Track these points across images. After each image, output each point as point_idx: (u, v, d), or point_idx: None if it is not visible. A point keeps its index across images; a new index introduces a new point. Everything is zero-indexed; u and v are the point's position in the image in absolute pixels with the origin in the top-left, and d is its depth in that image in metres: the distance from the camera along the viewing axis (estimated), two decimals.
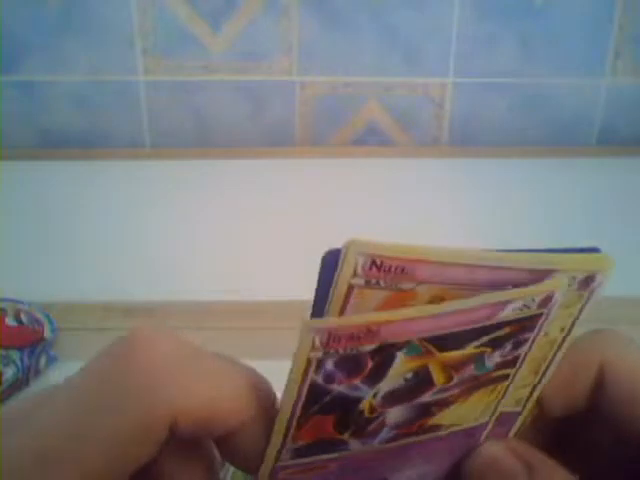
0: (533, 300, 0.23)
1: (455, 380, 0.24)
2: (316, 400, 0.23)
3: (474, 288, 0.23)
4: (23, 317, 0.61)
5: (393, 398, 0.24)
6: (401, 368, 0.23)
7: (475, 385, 0.24)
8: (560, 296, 0.24)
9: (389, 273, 0.22)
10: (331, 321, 0.22)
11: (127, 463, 0.22)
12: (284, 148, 0.97)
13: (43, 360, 0.59)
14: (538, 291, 0.23)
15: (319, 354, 0.22)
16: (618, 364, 0.26)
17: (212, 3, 0.92)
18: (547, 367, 0.25)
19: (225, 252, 0.76)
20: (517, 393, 0.26)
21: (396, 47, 0.94)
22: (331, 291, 0.22)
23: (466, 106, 0.97)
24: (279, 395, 0.24)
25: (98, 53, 0.93)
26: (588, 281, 0.24)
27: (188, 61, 0.94)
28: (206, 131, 0.98)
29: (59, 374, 0.60)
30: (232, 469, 0.49)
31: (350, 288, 0.22)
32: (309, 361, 0.22)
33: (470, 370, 0.24)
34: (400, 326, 0.22)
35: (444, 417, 0.25)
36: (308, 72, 0.95)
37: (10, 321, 0.61)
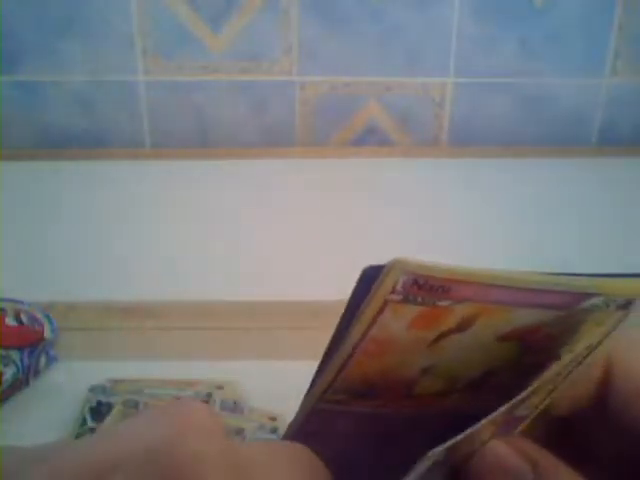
0: (614, 301, 0.23)
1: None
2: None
3: (510, 309, 0.23)
4: (23, 317, 0.61)
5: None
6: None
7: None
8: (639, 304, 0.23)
9: (430, 291, 0.22)
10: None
11: None
12: (284, 148, 0.97)
13: (43, 360, 0.59)
14: (620, 289, 0.23)
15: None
16: (625, 360, 0.26)
17: (212, 3, 0.92)
18: (565, 376, 0.25)
19: (225, 252, 0.76)
20: (533, 399, 0.25)
21: (396, 47, 0.94)
22: (364, 303, 0.22)
23: (466, 106, 0.97)
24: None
25: (98, 53, 0.93)
26: (627, 305, 0.24)
27: (188, 61, 0.94)
28: (206, 131, 0.98)
29: (59, 374, 0.60)
30: None
31: (385, 303, 0.22)
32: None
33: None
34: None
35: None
36: (308, 72, 0.95)
37: (10, 321, 0.61)
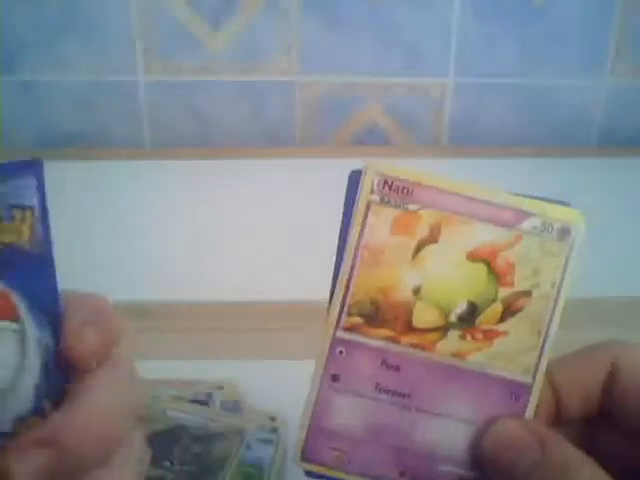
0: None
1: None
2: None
3: (468, 220, 0.28)
4: None
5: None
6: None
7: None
8: (579, 237, 0.29)
9: (397, 192, 0.28)
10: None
11: None
12: (284, 148, 0.97)
13: None
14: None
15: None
16: (630, 362, 0.27)
17: (212, 3, 0.92)
18: (547, 329, 0.28)
19: (225, 252, 0.76)
20: (524, 358, 0.28)
21: (396, 47, 0.94)
22: (355, 205, 0.28)
23: (466, 106, 0.97)
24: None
25: (98, 53, 0.93)
26: (564, 233, 0.29)
27: (188, 61, 0.94)
28: (206, 131, 0.98)
29: None
30: (232, 470, 0.49)
31: (369, 204, 0.28)
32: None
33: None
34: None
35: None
36: (308, 72, 0.95)
37: None
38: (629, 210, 0.83)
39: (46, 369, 0.27)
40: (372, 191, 0.28)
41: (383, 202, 0.28)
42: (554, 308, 0.28)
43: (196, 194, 0.85)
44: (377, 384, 0.29)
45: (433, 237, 0.28)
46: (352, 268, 0.28)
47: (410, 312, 0.28)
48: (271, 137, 0.98)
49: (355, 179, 0.28)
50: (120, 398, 0.27)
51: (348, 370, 0.28)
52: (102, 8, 0.91)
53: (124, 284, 0.70)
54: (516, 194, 0.29)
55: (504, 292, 0.28)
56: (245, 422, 0.53)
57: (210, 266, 0.74)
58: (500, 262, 0.28)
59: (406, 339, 0.28)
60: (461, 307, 0.28)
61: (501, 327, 0.28)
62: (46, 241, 0.31)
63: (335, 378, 0.28)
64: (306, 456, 0.28)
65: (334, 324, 0.28)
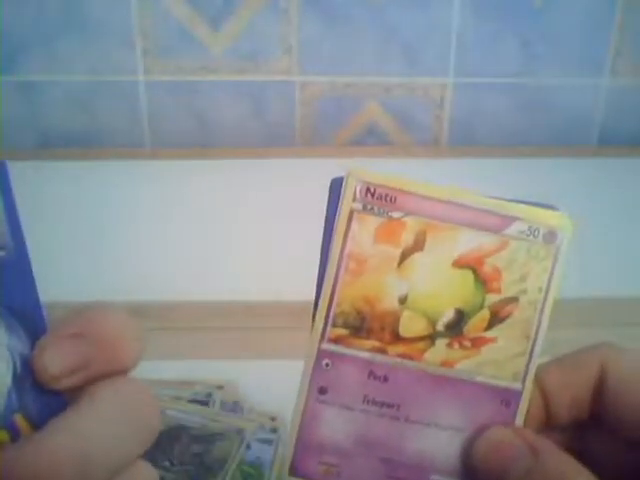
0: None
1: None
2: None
3: (453, 227, 0.28)
4: None
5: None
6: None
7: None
8: (565, 240, 0.28)
9: (380, 200, 0.27)
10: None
11: None
12: (284, 148, 0.96)
13: None
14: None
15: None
16: (620, 358, 0.26)
17: (212, 3, 0.92)
18: (536, 334, 0.28)
19: (225, 252, 0.76)
20: (513, 364, 0.28)
21: (396, 47, 0.94)
22: (337, 213, 0.28)
23: (466, 106, 0.97)
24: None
25: (98, 53, 0.93)
26: (551, 236, 0.28)
27: (188, 61, 0.94)
28: (206, 131, 0.98)
29: None
30: (232, 470, 0.49)
31: (351, 213, 0.27)
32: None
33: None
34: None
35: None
36: (308, 72, 0.95)
37: None
38: (629, 210, 0.83)
39: (19, 381, 0.24)
40: (354, 199, 0.27)
41: (366, 210, 0.27)
42: (542, 312, 0.28)
43: (196, 194, 0.85)
44: (365, 396, 0.28)
45: (418, 245, 0.28)
46: (336, 278, 0.28)
47: (397, 321, 0.28)
48: (271, 137, 0.98)
49: (337, 186, 0.28)
50: (119, 432, 0.23)
51: (335, 382, 0.28)
52: (102, 8, 0.91)
53: (124, 284, 0.70)
54: (500, 199, 0.28)
55: (491, 299, 0.28)
56: (245, 422, 0.53)
57: (210, 266, 0.74)
58: (487, 268, 0.28)
59: (393, 349, 0.28)
60: (448, 315, 0.28)
61: (489, 334, 0.28)
62: (18, 245, 0.27)
63: (322, 391, 0.28)
64: (295, 470, 0.28)
65: (319, 336, 0.28)
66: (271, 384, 0.57)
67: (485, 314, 0.28)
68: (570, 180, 0.89)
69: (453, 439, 0.28)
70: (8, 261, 0.26)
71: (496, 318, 0.28)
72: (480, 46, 0.94)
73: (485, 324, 0.28)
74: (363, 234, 0.27)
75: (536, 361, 0.28)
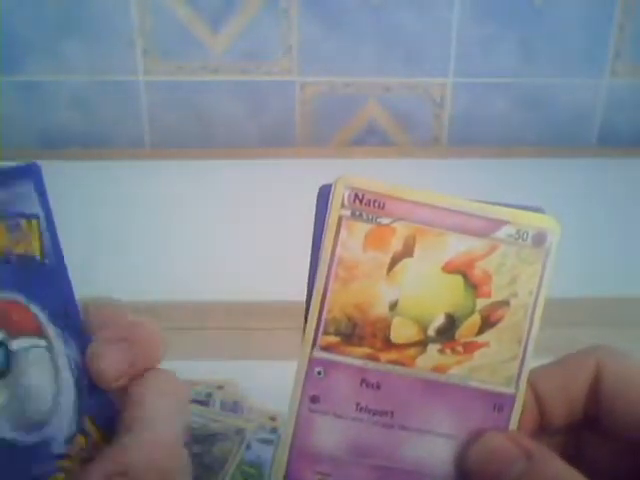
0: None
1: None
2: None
3: (442, 232, 0.28)
4: None
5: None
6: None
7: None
8: (554, 243, 0.28)
9: (369, 206, 0.27)
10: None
11: None
12: (284, 148, 0.97)
13: None
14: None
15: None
16: (614, 361, 0.26)
17: (212, 3, 0.92)
18: (527, 337, 0.28)
19: (225, 252, 0.76)
20: (505, 369, 0.28)
21: (396, 47, 0.94)
22: (326, 221, 0.27)
23: (466, 106, 0.97)
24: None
25: (98, 53, 0.93)
26: (540, 239, 0.28)
27: (188, 61, 0.94)
28: (206, 131, 0.98)
29: None
30: (232, 470, 0.49)
31: (340, 219, 0.27)
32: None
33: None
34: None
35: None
36: (308, 72, 0.95)
37: None
38: (628, 210, 0.83)
39: (79, 386, 0.26)
40: (343, 205, 0.27)
41: (355, 216, 0.27)
42: (533, 315, 0.28)
43: (196, 194, 0.85)
44: (358, 404, 0.28)
45: (408, 251, 0.28)
46: (326, 285, 0.27)
47: (388, 328, 0.28)
48: (271, 137, 0.98)
49: (325, 194, 0.27)
50: (175, 425, 0.27)
51: (327, 391, 0.28)
52: (102, 8, 0.91)
53: (124, 284, 0.70)
54: (488, 203, 0.28)
55: (482, 303, 0.28)
56: (245, 422, 0.53)
57: (210, 266, 0.74)
58: (477, 272, 0.28)
59: (385, 356, 0.28)
60: (439, 320, 0.28)
61: (481, 339, 0.28)
62: (56, 251, 0.29)
63: (314, 399, 0.28)
64: None
65: (310, 344, 0.28)
66: (271, 384, 0.56)
67: (476, 318, 0.28)
68: (570, 180, 0.89)
69: (447, 445, 0.28)
70: (50, 268, 0.28)
71: (487, 322, 0.28)
72: (480, 46, 0.94)
73: (476, 329, 0.28)
74: (352, 241, 0.27)
75: (528, 365, 0.28)
